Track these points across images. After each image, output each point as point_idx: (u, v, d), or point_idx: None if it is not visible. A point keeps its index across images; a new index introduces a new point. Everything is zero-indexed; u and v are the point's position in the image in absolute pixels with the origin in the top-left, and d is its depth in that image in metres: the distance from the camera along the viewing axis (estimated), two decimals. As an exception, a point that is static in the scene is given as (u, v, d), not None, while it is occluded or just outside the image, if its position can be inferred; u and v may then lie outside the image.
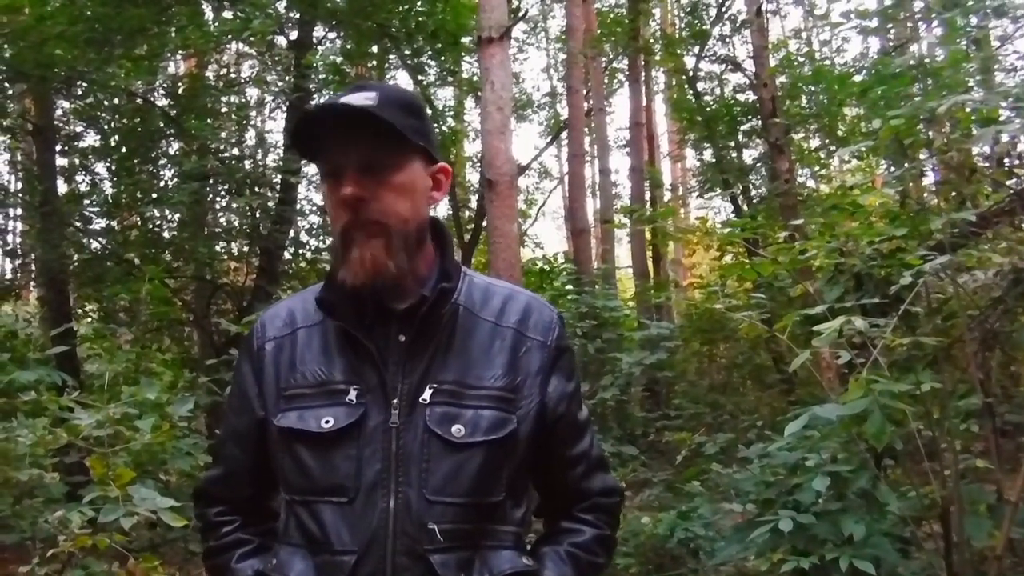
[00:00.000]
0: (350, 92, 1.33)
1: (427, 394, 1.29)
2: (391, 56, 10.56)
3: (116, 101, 8.99)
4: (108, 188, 9.42)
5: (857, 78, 9.53)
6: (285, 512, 1.35)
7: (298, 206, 9.27)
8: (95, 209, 9.27)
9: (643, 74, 14.11)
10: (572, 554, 1.40)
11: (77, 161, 9.36)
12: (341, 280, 1.31)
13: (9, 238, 10.83)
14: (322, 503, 1.28)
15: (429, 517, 1.25)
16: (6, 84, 8.23)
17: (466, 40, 9.18)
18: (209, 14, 9.34)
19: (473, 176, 13.24)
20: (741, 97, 11.40)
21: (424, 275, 1.37)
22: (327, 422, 1.29)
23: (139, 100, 8.99)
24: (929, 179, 5.25)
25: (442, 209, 10.38)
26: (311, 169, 9.56)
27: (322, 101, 1.28)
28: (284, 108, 9.53)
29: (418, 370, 1.31)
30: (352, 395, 1.30)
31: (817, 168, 12.08)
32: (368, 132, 1.28)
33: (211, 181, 8.73)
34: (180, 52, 10.38)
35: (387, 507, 1.26)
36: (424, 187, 1.37)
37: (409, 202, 1.33)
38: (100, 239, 9.19)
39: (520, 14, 10.24)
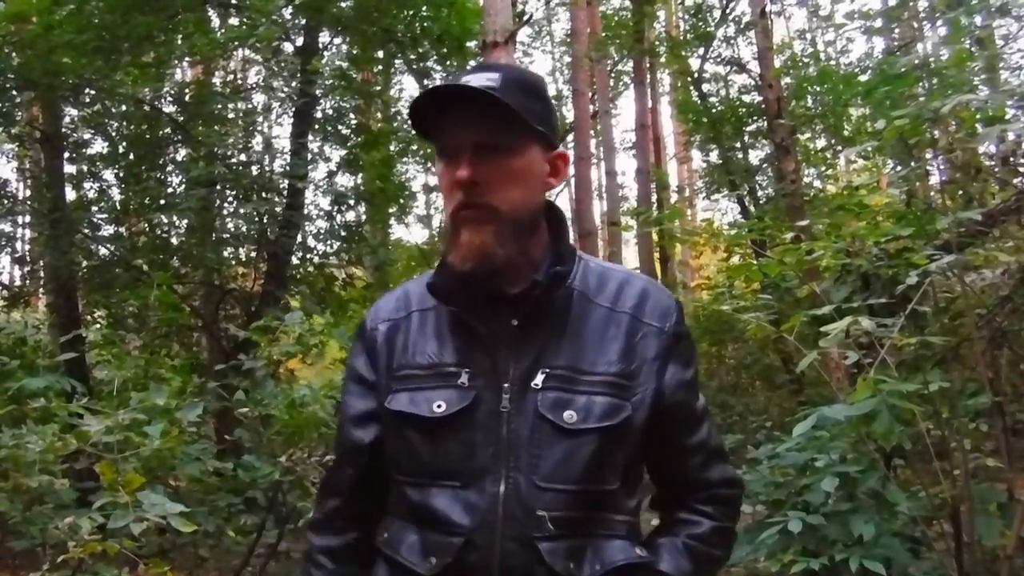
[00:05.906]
0: (473, 72, 1.31)
1: (539, 379, 1.27)
2: (397, 61, 10.57)
3: (124, 108, 9.02)
4: (116, 195, 9.45)
5: (862, 78, 9.54)
6: (393, 490, 1.34)
7: (305, 211, 9.28)
8: (103, 216, 9.30)
9: (648, 76, 14.07)
10: (689, 546, 1.35)
11: (85, 168, 9.37)
12: (451, 264, 1.29)
13: (18, 245, 10.82)
14: (434, 486, 1.27)
15: (538, 504, 1.22)
16: (14, 92, 8.27)
17: (471, 44, 9.17)
18: (215, 21, 9.39)
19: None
20: (746, 98, 11.43)
21: (538, 259, 1.34)
22: (439, 406, 1.27)
23: (146, 107, 9.02)
24: (935, 178, 5.24)
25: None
26: (318, 174, 9.62)
27: (445, 80, 1.24)
28: (290, 114, 9.55)
29: (530, 355, 1.28)
30: (464, 378, 1.28)
31: (823, 168, 12.11)
32: (487, 113, 1.25)
33: (218, 187, 8.75)
34: (187, 59, 10.45)
35: (497, 492, 1.23)
36: (541, 173, 1.34)
37: (524, 188, 1.30)
38: (108, 245, 9.22)
39: (525, 18, 10.26)
